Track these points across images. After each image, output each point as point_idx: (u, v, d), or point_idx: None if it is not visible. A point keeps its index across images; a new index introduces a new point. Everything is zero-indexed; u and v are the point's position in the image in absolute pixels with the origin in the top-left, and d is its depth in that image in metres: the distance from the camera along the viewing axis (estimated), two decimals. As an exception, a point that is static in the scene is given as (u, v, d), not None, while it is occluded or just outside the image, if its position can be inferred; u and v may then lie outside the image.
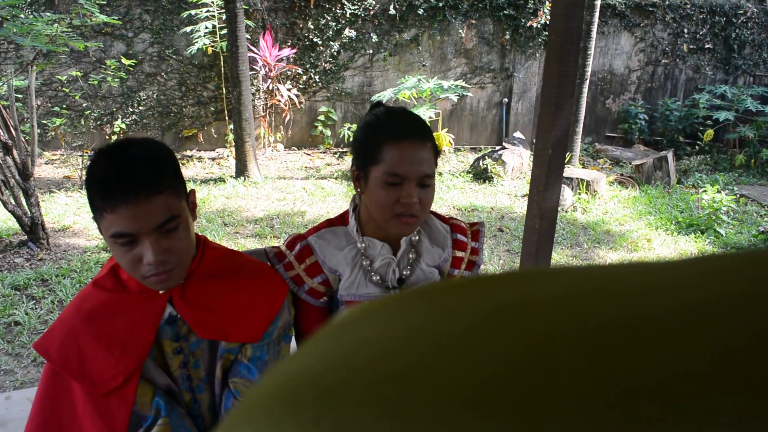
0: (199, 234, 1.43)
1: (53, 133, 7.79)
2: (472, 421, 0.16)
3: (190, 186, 1.33)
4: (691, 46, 9.81)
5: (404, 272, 1.55)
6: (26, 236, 4.85)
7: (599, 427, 0.15)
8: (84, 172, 6.83)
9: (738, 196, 7.17)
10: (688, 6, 9.61)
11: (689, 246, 5.49)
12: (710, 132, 9.03)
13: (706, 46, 9.86)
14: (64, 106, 7.76)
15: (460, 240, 1.64)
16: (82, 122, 7.90)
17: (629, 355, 0.16)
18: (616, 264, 0.22)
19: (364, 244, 1.54)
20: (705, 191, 6.16)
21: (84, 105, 7.87)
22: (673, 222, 6.10)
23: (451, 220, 1.68)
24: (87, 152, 7.70)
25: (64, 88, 7.69)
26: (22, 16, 4.58)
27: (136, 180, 1.16)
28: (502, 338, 0.18)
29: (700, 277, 0.20)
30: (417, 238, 1.58)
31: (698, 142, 9.41)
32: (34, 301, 4.06)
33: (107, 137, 8.03)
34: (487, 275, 0.22)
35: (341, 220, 1.60)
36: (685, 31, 9.71)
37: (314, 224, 1.67)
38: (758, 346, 0.16)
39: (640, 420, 0.15)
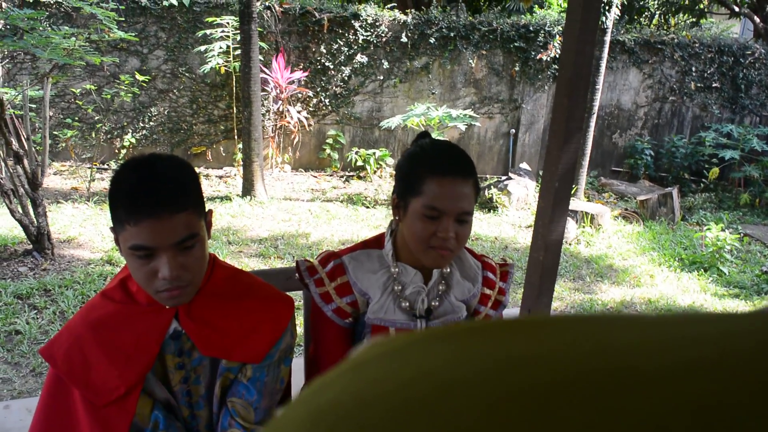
0: (210, 252, 1.45)
1: (64, 144, 7.85)
2: None
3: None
4: (699, 85, 9.87)
5: (433, 303, 1.55)
6: (31, 245, 4.87)
7: None
8: (91, 184, 6.88)
9: (742, 235, 7.16)
10: (697, 45, 9.69)
11: (692, 283, 5.48)
12: (715, 170, 9.05)
13: (714, 84, 9.92)
14: (76, 118, 7.83)
15: (489, 278, 1.65)
16: (93, 135, 7.97)
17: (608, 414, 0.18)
18: (616, 316, 0.24)
19: (397, 269, 1.54)
20: (709, 229, 6.16)
21: (96, 118, 7.94)
22: (677, 259, 6.09)
23: (483, 258, 1.70)
24: (96, 164, 7.76)
25: (77, 101, 7.77)
26: (40, 28, 4.64)
27: (162, 196, 1.19)
28: (499, 389, 0.20)
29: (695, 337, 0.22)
30: (449, 270, 1.58)
31: (703, 180, 9.43)
32: (35, 311, 4.07)
33: (117, 151, 8.08)
34: (507, 321, 0.24)
35: (377, 242, 1.61)
36: (693, 69, 9.78)
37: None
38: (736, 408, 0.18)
39: None
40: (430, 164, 1.41)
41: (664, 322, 0.23)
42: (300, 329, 3.08)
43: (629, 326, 0.23)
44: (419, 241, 1.42)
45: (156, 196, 1.18)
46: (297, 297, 2.37)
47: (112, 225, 1.25)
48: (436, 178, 1.38)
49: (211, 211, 1.38)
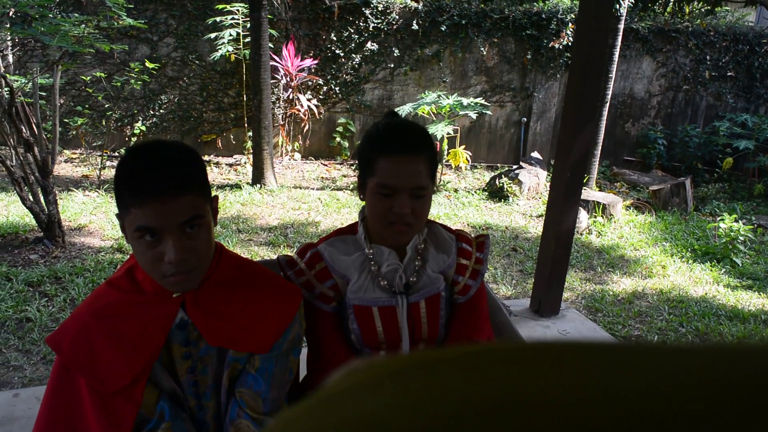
0: (217, 241, 1.44)
1: (74, 132, 7.87)
2: None
3: (207, 191, 1.36)
4: (713, 74, 9.76)
5: (411, 278, 1.60)
6: (42, 233, 4.88)
7: None
8: (102, 172, 6.89)
9: (756, 225, 7.09)
10: (712, 33, 9.57)
11: (704, 274, 5.43)
12: (729, 160, 8.96)
13: (729, 73, 9.81)
14: (87, 105, 7.84)
15: (464, 248, 1.69)
16: (103, 123, 7.98)
17: None
18: (620, 348, 0.22)
19: (372, 251, 1.59)
20: (722, 219, 6.10)
21: (106, 106, 7.95)
22: (689, 249, 6.04)
23: (458, 231, 1.74)
24: (106, 152, 7.77)
25: (87, 89, 7.78)
26: (50, 15, 4.63)
27: (166, 178, 1.19)
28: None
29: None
30: (423, 246, 1.63)
31: (717, 170, 9.34)
32: (46, 299, 4.08)
33: (127, 138, 8.10)
34: (494, 350, 0.22)
35: (351, 229, 1.67)
36: (708, 58, 9.66)
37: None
38: None
39: None
40: (380, 144, 1.47)
41: (677, 357, 0.21)
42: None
43: (638, 364, 0.20)
44: (378, 218, 1.49)
45: (160, 178, 1.19)
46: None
47: (118, 212, 1.25)
48: (385, 157, 1.45)
49: (216, 197, 1.38)
